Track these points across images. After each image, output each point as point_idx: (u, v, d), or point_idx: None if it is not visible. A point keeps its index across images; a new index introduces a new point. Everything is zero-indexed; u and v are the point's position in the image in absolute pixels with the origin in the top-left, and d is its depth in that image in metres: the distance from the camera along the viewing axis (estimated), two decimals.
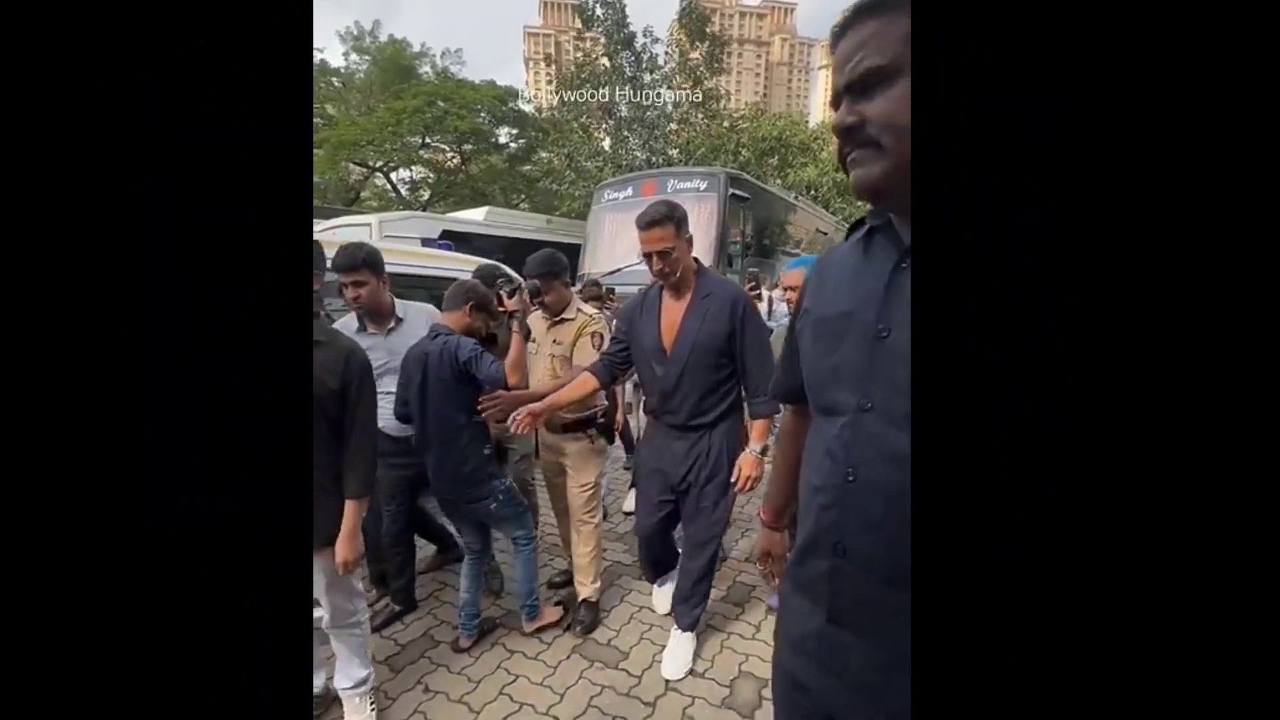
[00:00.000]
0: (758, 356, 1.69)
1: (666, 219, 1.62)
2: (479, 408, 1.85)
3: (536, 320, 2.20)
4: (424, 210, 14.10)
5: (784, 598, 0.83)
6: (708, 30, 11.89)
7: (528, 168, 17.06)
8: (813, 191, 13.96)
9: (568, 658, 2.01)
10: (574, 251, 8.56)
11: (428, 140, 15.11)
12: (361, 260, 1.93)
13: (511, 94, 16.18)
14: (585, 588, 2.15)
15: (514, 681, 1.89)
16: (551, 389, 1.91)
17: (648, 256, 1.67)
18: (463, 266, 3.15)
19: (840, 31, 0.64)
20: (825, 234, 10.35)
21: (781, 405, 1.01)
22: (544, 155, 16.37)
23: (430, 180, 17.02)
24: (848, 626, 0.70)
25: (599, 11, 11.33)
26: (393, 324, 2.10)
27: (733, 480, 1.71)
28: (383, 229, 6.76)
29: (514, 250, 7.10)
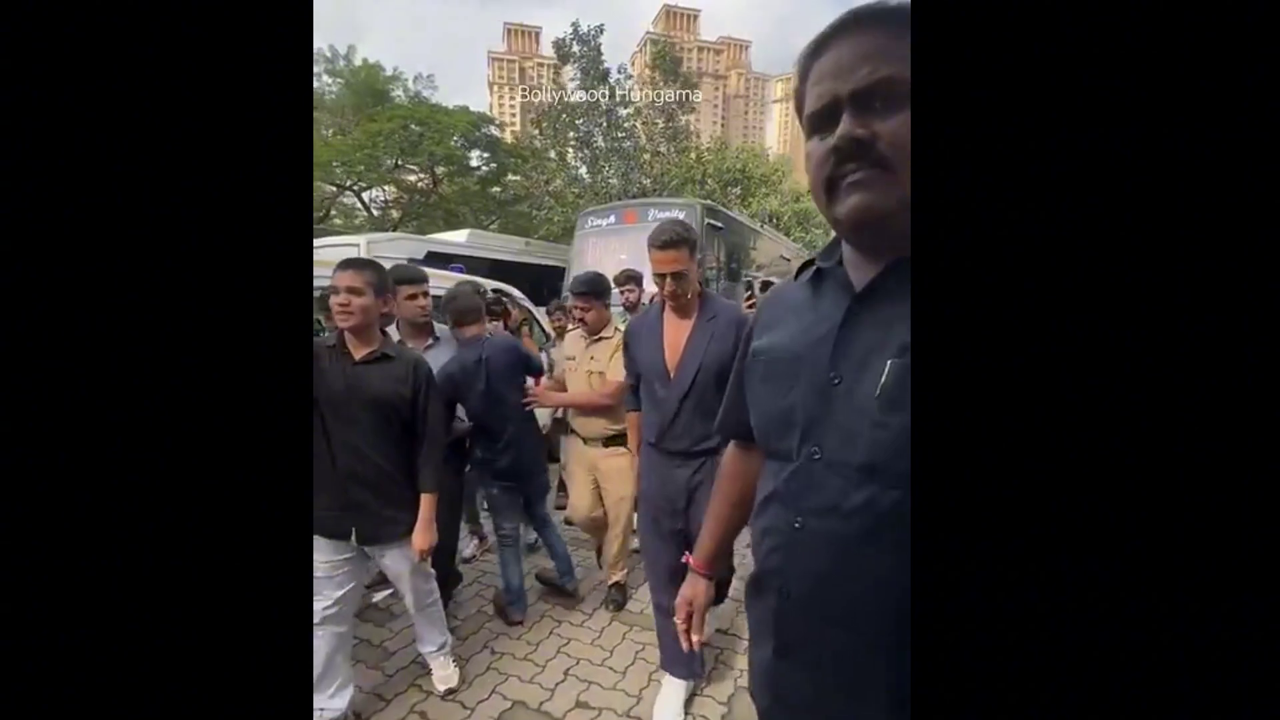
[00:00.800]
0: None
1: (682, 241, 1.61)
2: (527, 402, 2.21)
3: (575, 338, 2.42)
4: (394, 230, 14.20)
5: (749, 621, 0.83)
6: (680, 71, 12.70)
7: (495, 189, 17.40)
8: (775, 220, 14.79)
9: (609, 624, 2.34)
10: (550, 273, 8.94)
11: (400, 162, 15.27)
12: (423, 276, 2.27)
13: (485, 120, 16.58)
14: (616, 574, 2.48)
15: (568, 644, 2.20)
16: (588, 397, 2.28)
17: (660, 277, 1.65)
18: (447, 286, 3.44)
19: (835, 34, 0.58)
20: (788, 259, 11.03)
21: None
22: (514, 179, 16.80)
23: (402, 201, 17.09)
24: (795, 660, 0.70)
25: (575, 48, 11.94)
26: (430, 341, 2.30)
27: None
28: (370, 249, 6.95)
29: (494, 271, 7.41)
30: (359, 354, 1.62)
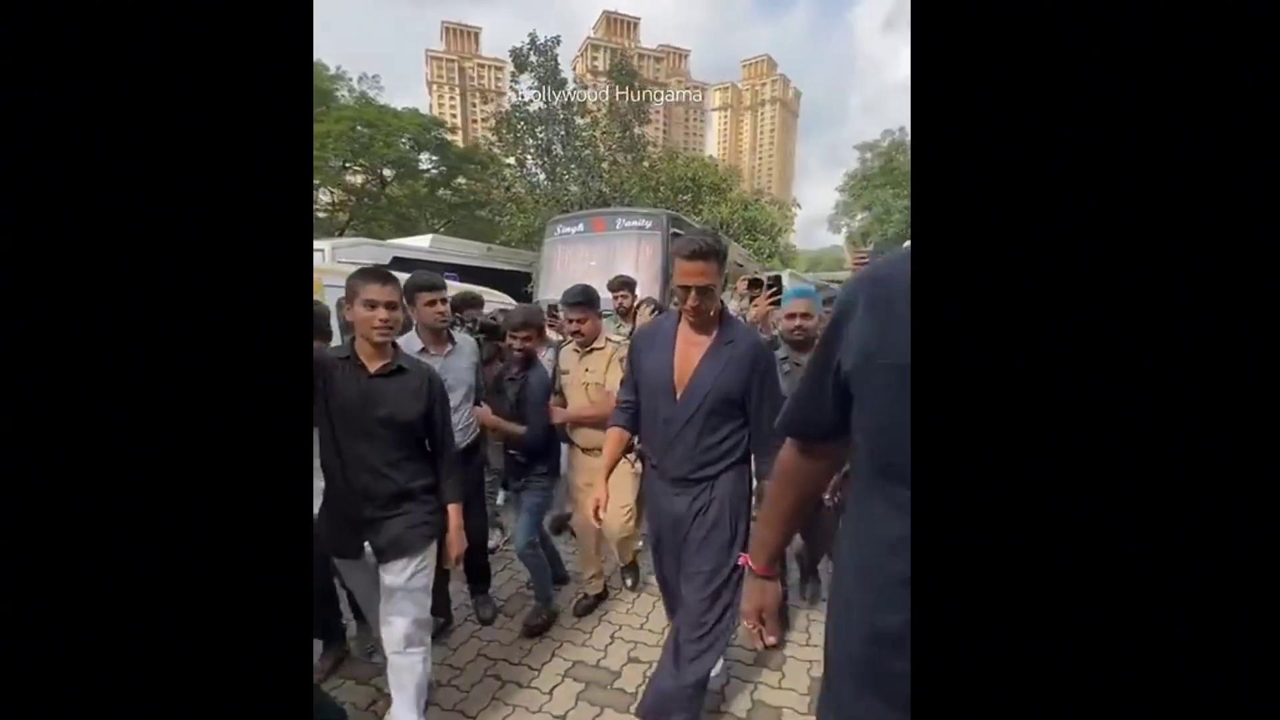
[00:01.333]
0: (774, 413, 1.51)
1: (712, 253, 1.48)
2: (556, 423, 2.37)
3: (568, 353, 2.40)
4: (342, 233, 13.83)
5: (845, 704, 0.72)
6: (636, 82, 13.14)
7: (443, 192, 17.25)
8: (725, 227, 15.43)
9: (638, 597, 2.63)
10: (512, 278, 9.08)
11: (347, 164, 14.88)
12: (443, 283, 2.37)
13: (436, 123, 16.41)
14: (626, 557, 2.69)
15: (607, 613, 2.49)
16: (591, 412, 2.26)
17: (684, 289, 1.52)
18: None
19: None
20: (740, 265, 11.60)
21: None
22: (464, 182, 16.73)
23: (349, 204, 16.60)
24: None
25: (533, 58, 12.12)
26: (450, 347, 2.34)
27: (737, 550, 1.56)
28: (335, 254, 6.89)
29: (458, 276, 7.53)
30: (374, 366, 1.56)
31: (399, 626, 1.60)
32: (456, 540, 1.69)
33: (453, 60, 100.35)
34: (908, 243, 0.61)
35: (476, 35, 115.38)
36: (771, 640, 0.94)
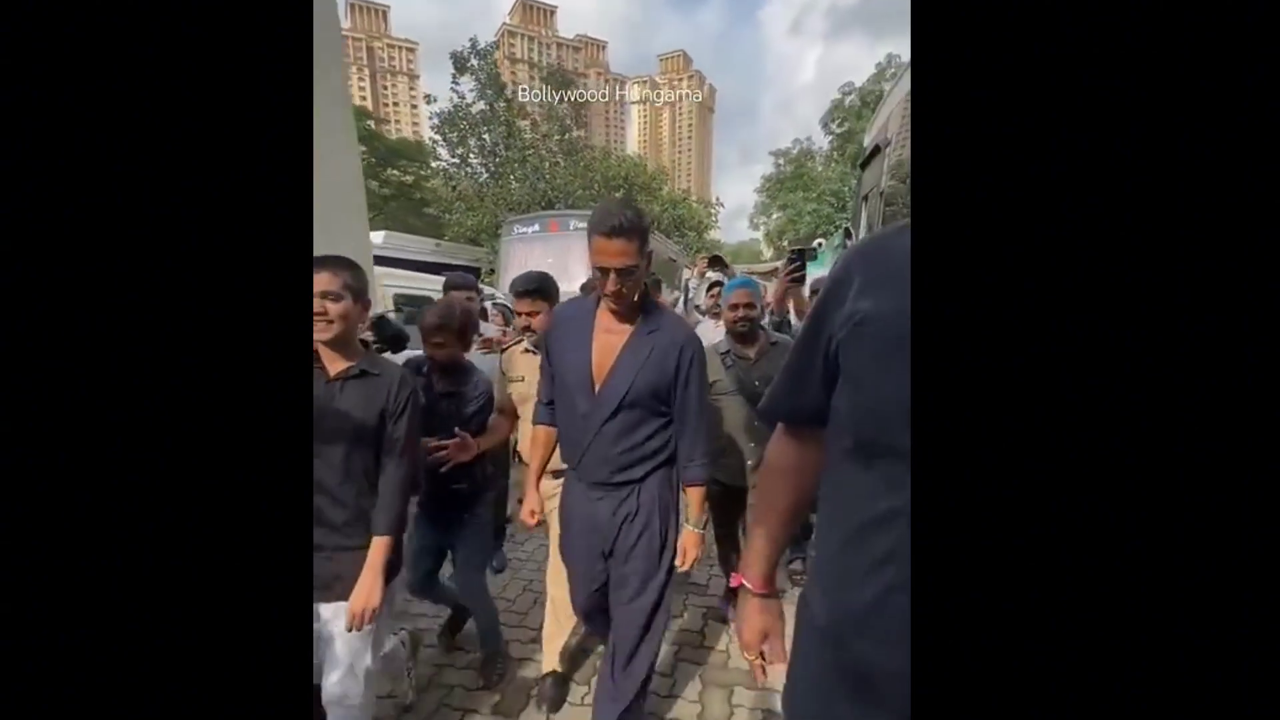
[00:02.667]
0: (698, 412, 1.48)
1: (634, 230, 1.30)
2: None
3: (522, 356, 1.98)
4: None
5: (803, 684, 0.71)
6: (572, 85, 13.93)
7: (371, 183, 17.25)
8: (656, 224, 16.64)
9: None
10: (459, 272, 9.65)
11: None
12: (474, 283, 2.66)
13: (364, 114, 16.33)
14: None
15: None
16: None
17: (603, 272, 1.34)
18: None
19: None
20: (674, 260, 12.73)
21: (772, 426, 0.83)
22: (394, 174, 16.80)
23: None
24: None
25: (474, 61, 12.58)
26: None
27: (676, 563, 1.50)
28: None
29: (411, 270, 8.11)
30: (334, 370, 1.35)
31: (359, 673, 1.36)
32: (367, 590, 1.29)
33: (359, 38, 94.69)
34: (902, 220, 0.63)
35: (385, 13, 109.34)
36: (781, 667, 0.83)
